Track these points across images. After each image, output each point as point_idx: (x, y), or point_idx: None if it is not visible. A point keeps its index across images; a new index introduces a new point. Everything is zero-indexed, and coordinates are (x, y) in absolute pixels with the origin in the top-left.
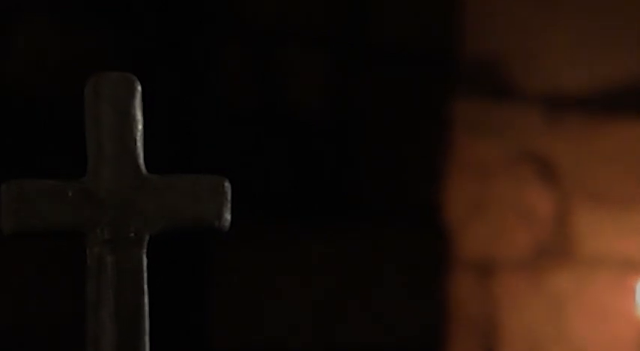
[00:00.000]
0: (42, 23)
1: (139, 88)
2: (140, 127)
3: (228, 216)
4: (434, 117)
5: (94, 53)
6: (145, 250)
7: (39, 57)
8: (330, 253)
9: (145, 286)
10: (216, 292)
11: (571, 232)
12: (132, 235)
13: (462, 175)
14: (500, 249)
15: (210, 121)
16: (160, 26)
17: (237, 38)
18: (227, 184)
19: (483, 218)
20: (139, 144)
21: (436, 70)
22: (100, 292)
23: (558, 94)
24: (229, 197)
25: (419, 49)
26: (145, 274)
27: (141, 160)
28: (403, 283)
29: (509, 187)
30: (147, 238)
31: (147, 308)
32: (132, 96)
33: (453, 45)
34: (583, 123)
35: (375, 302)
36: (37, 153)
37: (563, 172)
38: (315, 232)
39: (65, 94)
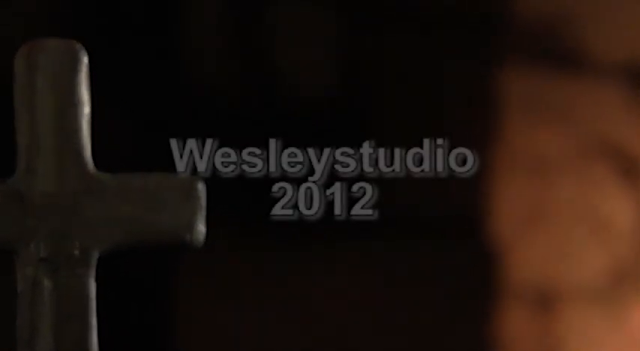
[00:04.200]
0: None
1: (86, 59)
2: (87, 110)
3: (202, 227)
4: (469, 97)
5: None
6: (93, 272)
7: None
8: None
9: (94, 318)
10: (200, 306)
11: None
12: (76, 252)
13: (512, 172)
14: (564, 272)
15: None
16: (152, 23)
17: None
18: (201, 186)
19: (542, 230)
20: (86, 133)
21: (476, 38)
22: (34, 325)
23: None
24: (204, 203)
25: (452, 11)
26: (94, 302)
27: (88, 155)
28: (432, 303)
29: (577, 190)
30: (95, 255)
31: (95, 346)
32: (75, 70)
33: (502, 4)
34: None
35: (389, 324)
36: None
37: None
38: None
39: None
